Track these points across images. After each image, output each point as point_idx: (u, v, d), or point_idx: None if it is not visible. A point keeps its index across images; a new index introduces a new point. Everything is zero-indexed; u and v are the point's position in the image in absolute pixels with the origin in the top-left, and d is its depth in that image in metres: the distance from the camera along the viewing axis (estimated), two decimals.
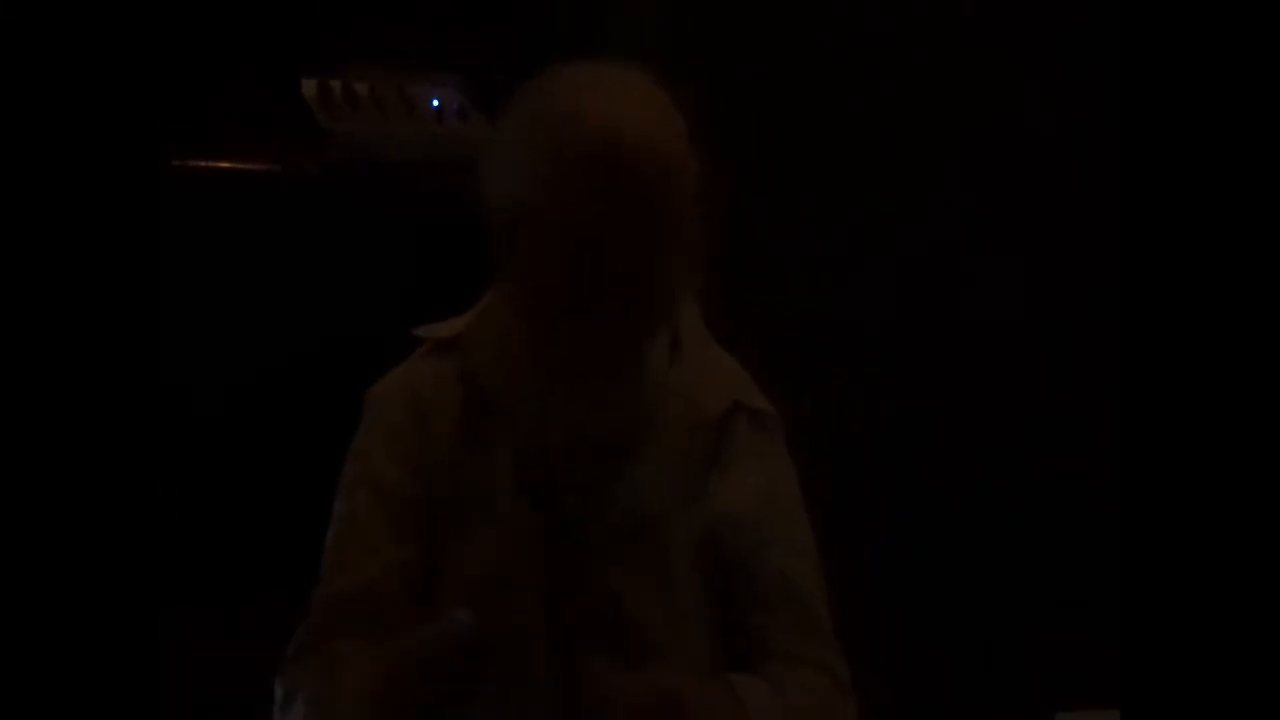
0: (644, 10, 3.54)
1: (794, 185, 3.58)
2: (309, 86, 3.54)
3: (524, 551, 2.16)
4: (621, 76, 2.13)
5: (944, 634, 3.60)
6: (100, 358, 1.81)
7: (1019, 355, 3.63)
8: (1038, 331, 3.64)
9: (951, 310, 3.63)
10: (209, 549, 3.33)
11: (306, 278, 3.41)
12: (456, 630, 2.00)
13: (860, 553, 2.75)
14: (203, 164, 3.40)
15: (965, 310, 3.63)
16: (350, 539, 2.20)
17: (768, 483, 2.22)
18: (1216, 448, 1.78)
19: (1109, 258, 2.14)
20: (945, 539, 3.63)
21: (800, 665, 2.16)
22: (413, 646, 2.05)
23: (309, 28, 3.58)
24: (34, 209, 1.83)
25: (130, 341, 1.83)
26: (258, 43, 3.54)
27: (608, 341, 2.10)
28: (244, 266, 3.39)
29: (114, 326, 1.82)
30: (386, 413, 2.24)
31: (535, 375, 2.14)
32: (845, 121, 3.59)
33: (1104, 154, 2.89)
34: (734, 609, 2.18)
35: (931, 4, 3.63)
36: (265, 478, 3.37)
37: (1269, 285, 1.78)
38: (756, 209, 3.49)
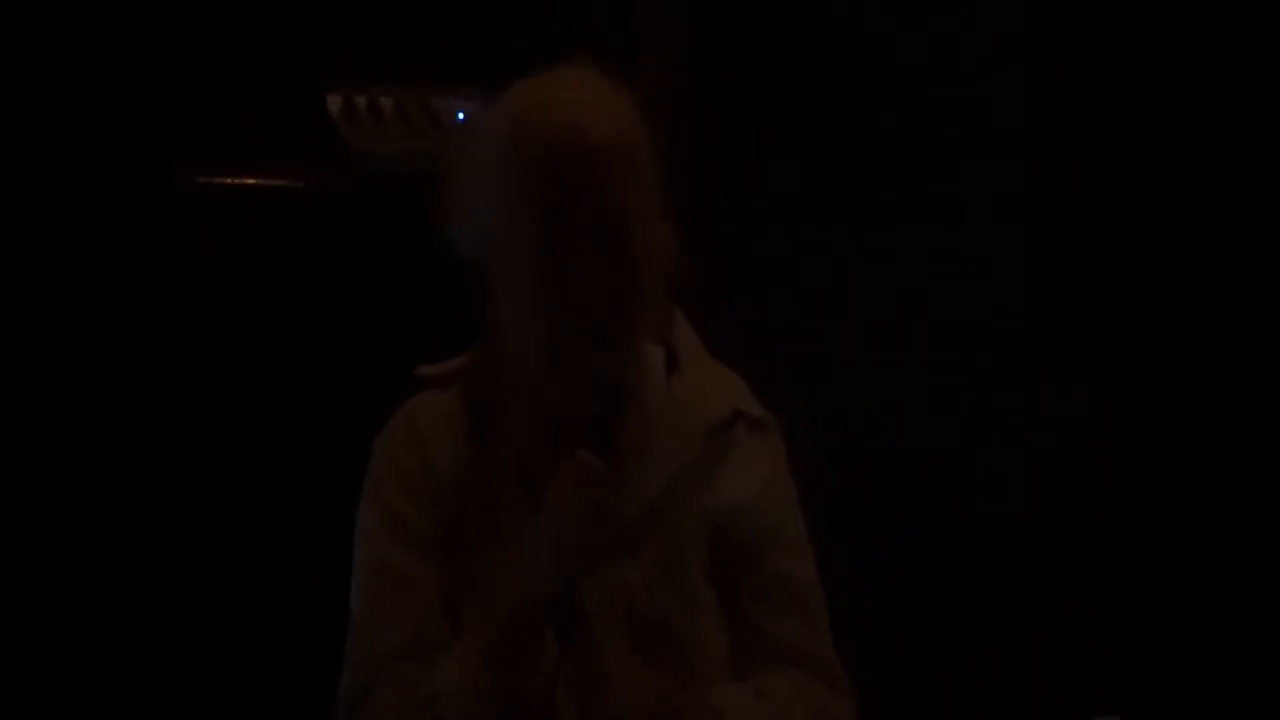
0: (672, 18, 3.54)
1: (794, 186, 3.58)
2: (333, 102, 3.54)
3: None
4: (568, 77, 2.19)
5: (942, 640, 3.58)
6: (101, 365, 1.81)
7: (1018, 356, 3.61)
8: (1037, 332, 3.62)
9: (950, 310, 3.61)
10: (208, 549, 3.33)
11: (329, 292, 3.41)
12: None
13: (855, 561, 2.74)
14: (228, 180, 3.41)
15: (964, 311, 3.61)
16: (384, 583, 2.22)
17: (768, 482, 2.27)
18: (1217, 448, 1.77)
19: (1109, 257, 2.12)
20: (942, 546, 3.61)
21: (797, 665, 2.20)
22: (500, 621, 2.10)
23: (332, 43, 3.58)
24: (43, 218, 1.83)
25: (129, 348, 1.83)
26: (281, 59, 3.54)
27: (612, 316, 2.13)
28: (268, 282, 3.39)
29: (113, 333, 1.82)
30: (389, 451, 2.27)
31: (551, 358, 2.16)
32: (845, 122, 3.58)
33: (1104, 154, 2.88)
34: (737, 605, 2.22)
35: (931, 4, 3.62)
36: (281, 488, 3.35)
37: (1269, 285, 1.77)
38: (758, 209, 3.51)
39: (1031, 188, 3.59)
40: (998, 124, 3.58)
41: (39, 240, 1.82)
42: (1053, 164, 3.57)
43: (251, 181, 3.45)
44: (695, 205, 2.19)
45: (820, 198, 3.59)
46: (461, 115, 3.56)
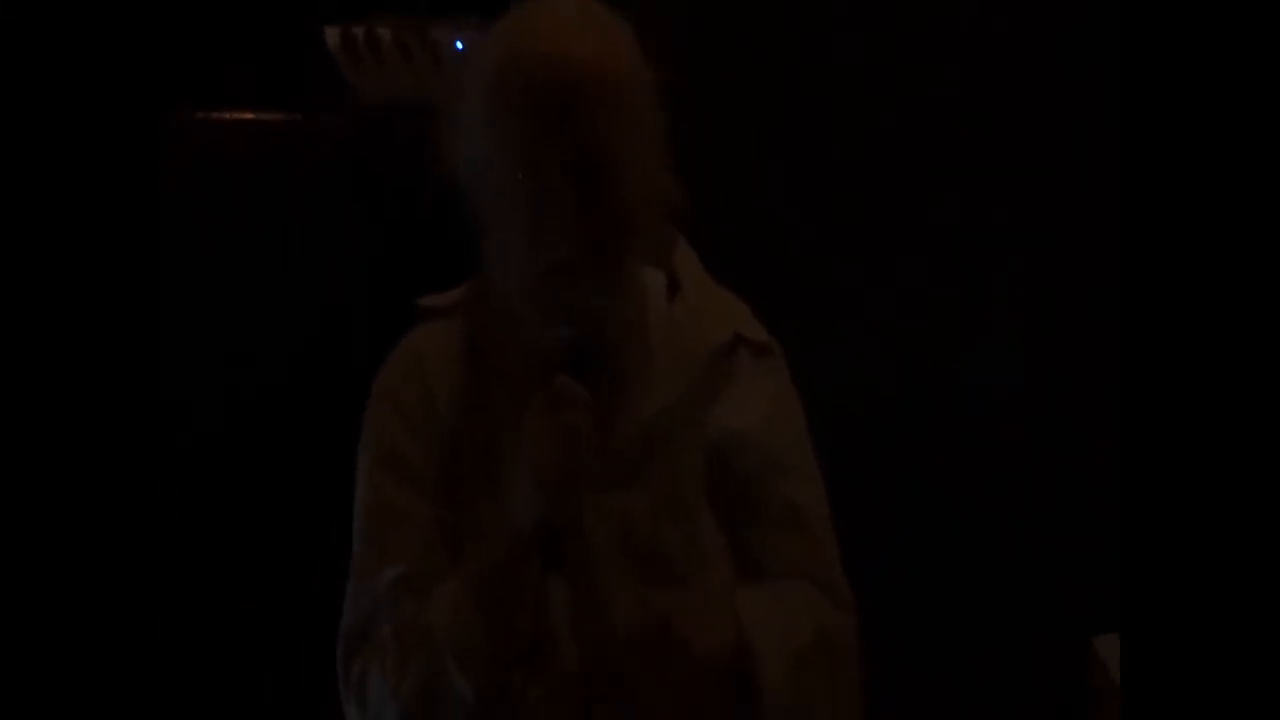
0: None
1: (794, 185, 3.57)
2: (331, 34, 3.52)
3: None
4: (557, 6, 2.13)
5: (943, 561, 3.60)
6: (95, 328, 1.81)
7: (1017, 357, 3.61)
8: (1036, 336, 3.61)
9: (949, 309, 3.61)
10: (208, 549, 3.34)
11: (334, 224, 3.40)
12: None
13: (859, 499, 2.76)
14: (226, 115, 3.40)
15: (963, 311, 3.61)
16: (386, 521, 2.21)
17: (771, 407, 2.24)
18: (1215, 440, 1.77)
19: (1109, 255, 2.12)
20: (942, 469, 3.62)
21: (801, 581, 2.18)
22: (490, 554, 2.10)
23: None
24: (36, 156, 1.82)
25: (125, 299, 1.83)
26: None
27: (591, 254, 2.10)
28: (267, 215, 3.38)
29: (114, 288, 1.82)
30: (391, 383, 2.26)
31: (529, 295, 2.14)
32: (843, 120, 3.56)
33: (1103, 153, 2.88)
34: (738, 530, 2.20)
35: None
36: (279, 487, 3.34)
37: (1269, 285, 1.76)
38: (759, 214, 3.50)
39: (1031, 187, 3.57)
40: (996, 123, 3.57)
41: (33, 179, 1.81)
42: (1053, 164, 3.55)
43: (249, 115, 3.44)
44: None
45: (818, 197, 3.57)
46: (460, 44, 3.54)
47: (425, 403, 2.22)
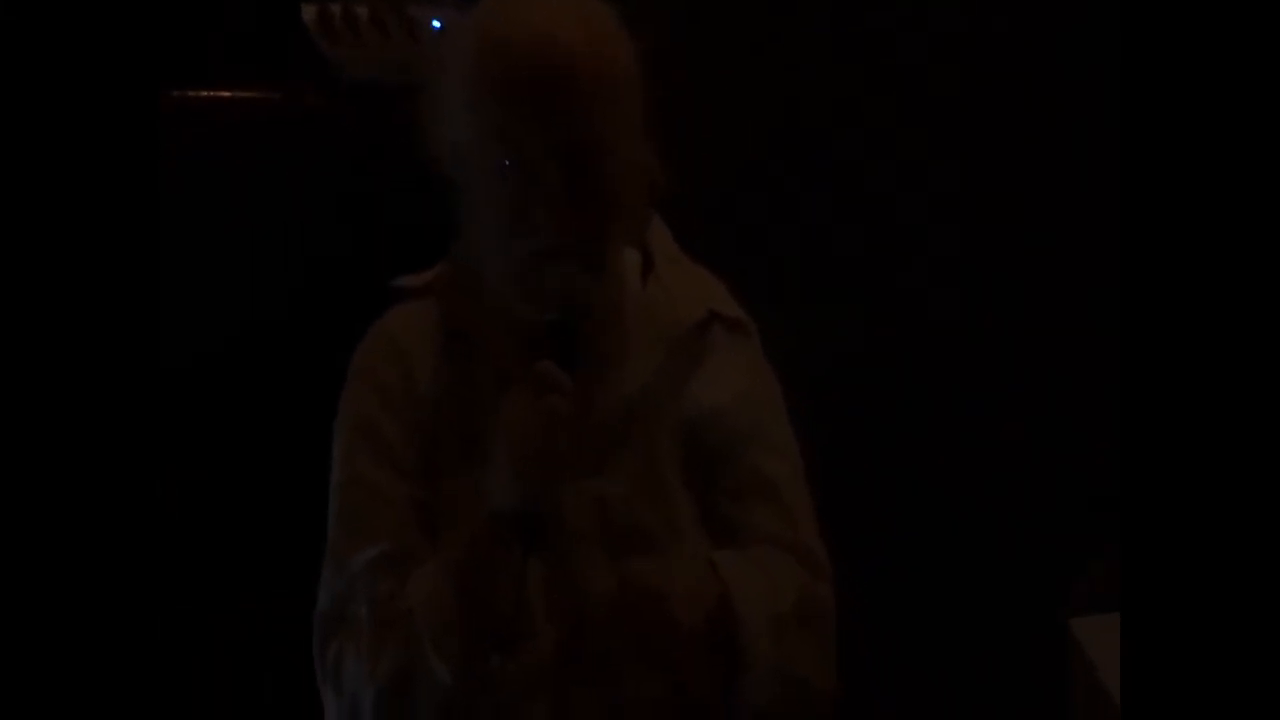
0: None
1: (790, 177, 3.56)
2: (308, 11, 3.51)
3: None
4: None
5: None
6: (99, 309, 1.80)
7: (1017, 352, 3.61)
8: (1036, 325, 3.62)
9: (949, 309, 3.61)
10: (208, 549, 3.33)
11: (312, 204, 3.39)
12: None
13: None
14: (203, 93, 3.38)
15: (962, 310, 3.61)
16: (362, 501, 2.20)
17: (745, 382, 2.24)
18: (1213, 429, 1.77)
19: (1109, 253, 2.12)
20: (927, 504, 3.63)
21: (778, 549, 2.18)
22: (468, 537, 2.09)
23: None
24: (13, 137, 1.81)
25: (110, 283, 1.82)
26: None
27: (574, 239, 2.10)
28: (246, 194, 3.37)
29: (114, 272, 1.81)
30: (368, 363, 2.25)
31: (512, 278, 2.13)
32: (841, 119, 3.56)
33: (1103, 152, 2.88)
34: (713, 502, 2.20)
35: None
36: (279, 486, 3.33)
37: (1269, 285, 1.77)
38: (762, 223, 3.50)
39: (1031, 188, 3.58)
40: (995, 123, 3.57)
41: (11, 162, 1.80)
42: (1053, 164, 3.55)
43: (227, 94, 3.43)
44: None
45: (818, 196, 3.57)
46: (437, 23, 3.53)
47: (403, 383, 2.21)
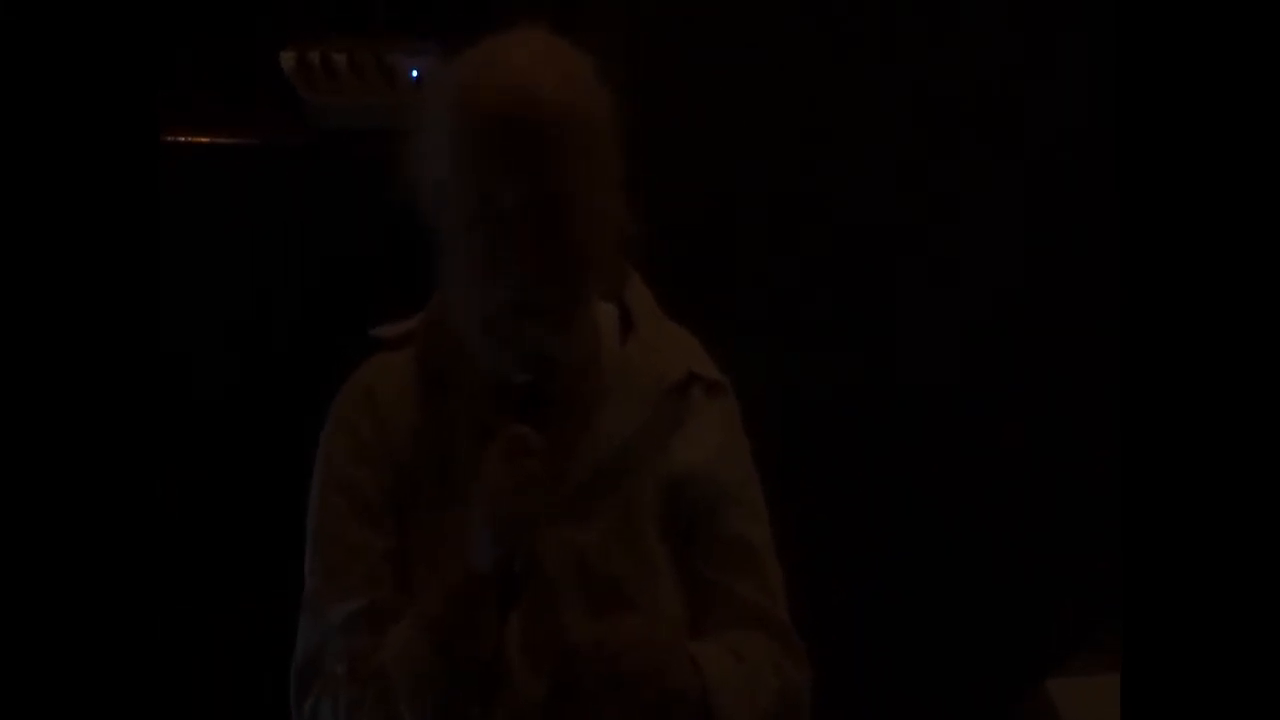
0: None
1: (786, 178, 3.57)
2: (287, 58, 3.52)
3: None
4: (522, 41, 2.14)
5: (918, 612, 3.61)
6: (98, 337, 1.81)
7: (1015, 349, 3.62)
8: (1034, 324, 3.63)
9: (947, 309, 3.62)
10: (208, 549, 3.32)
11: (288, 249, 3.40)
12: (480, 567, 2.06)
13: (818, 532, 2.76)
14: (181, 138, 3.39)
15: (961, 309, 3.62)
16: (338, 554, 2.21)
17: (725, 443, 2.27)
18: (1213, 429, 1.78)
19: (1108, 251, 2.13)
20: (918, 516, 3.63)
21: (756, 626, 2.20)
22: (444, 593, 2.09)
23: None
24: (30, 185, 1.82)
25: (130, 322, 1.83)
26: (234, 14, 3.52)
27: (545, 293, 2.11)
28: (227, 239, 3.38)
29: (114, 306, 1.82)
30: (344, 414, 2.27)
31: (483, 328, 2.14)
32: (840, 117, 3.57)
33: (1102, 151, 2.89)
34: (692, 565, 2.22)
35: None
36: (279, 485, 3.34)
37: (1268, 283, 1.78)
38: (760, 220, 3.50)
39: (1031, 188, 3.59)
40: (994, 123, 3.59)
41: (27, 195, 1.81)
42: (1052, 164, 3.57)
43: (205, 139, 3.44)
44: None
45: (816, 196, 3.58)
46: (415, 72, 3.55)
47: (378, 435, 2.22)
